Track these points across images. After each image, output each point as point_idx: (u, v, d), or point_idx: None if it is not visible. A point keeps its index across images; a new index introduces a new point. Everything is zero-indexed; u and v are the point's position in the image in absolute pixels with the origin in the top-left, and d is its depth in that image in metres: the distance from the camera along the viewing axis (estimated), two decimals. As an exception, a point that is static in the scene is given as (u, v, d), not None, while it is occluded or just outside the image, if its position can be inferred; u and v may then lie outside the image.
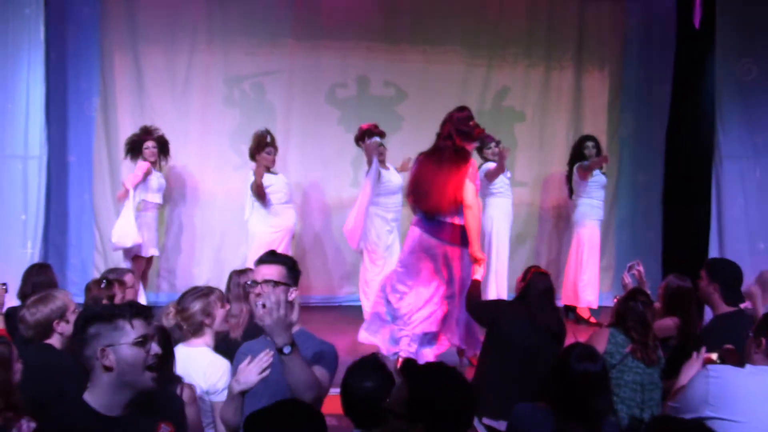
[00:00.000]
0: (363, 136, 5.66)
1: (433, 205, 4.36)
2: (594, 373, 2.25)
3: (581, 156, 6.09)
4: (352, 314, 5.78)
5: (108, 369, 1.90)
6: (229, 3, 6.53)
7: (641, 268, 4.07)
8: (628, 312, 3.22)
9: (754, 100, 5.48)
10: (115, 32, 6.41)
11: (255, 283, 2.41)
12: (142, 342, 1.92)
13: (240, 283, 3.48)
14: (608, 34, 6.96)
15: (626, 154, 7.06)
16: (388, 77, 6.78)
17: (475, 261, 4.22)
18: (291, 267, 2.47)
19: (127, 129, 6.28)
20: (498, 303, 3.76)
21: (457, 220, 4.35)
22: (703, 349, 2.80)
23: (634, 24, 6.96)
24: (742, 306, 3.44)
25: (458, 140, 4.36)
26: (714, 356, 2.75)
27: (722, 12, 5.52)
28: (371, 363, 2.31)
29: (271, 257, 2.49)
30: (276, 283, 2.38)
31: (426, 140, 6.64)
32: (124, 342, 1.91)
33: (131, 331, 1.93)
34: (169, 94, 6.53)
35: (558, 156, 6.87)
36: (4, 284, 3.72)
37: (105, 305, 1.97)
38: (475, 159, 6.06)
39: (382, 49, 6.72)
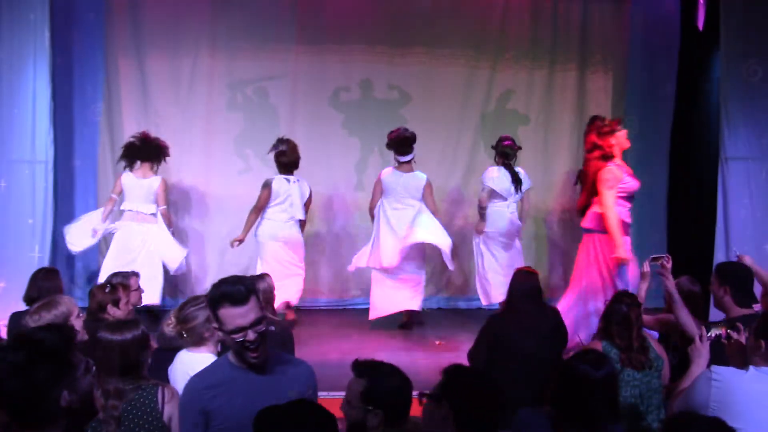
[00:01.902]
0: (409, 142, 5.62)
1: None
2: (595, 378, 2.20)
3: None
4: (359, 317, 5.78)
5: (71, 410, 1.60)
6: (233, 8, 6.55)
7: (669, 264, 4.04)
8: (612, 314, 3.22)
9: (760, 101, 5.45)
10: (119, 38, 6.45)
11: (242, 329, 2.11)
12: (88, 368, 1.68)
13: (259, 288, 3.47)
14: (612, 36, 6.93)
15: (631, 156, 6.99)
16: (391, 80, 6.78)
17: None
18: (255, 289, 2.22)
19: (131, 133, 6.30)
20: (487, 330, 3.70)
21: None
22: (703, 329, 2.77)
23: (638, 25, 6.92)
24: (755, 307, 3.43)
25: (603, 142, 4.76)
26: (722, 330, 2.72)
27: (727, 13, 5.50)
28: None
29: (239, 292, 2.12)
30: (263, 319, 2.18)
31: (429, 142, 6.70)
32: (79, 374, 1.63)
33: (82, 357, 1.66)
34: (173, 99, 6.56)
35: (563, 158, 6.85)
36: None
37: (24, 338, 1.67)
38: (489, 160, 6.08)
39: (385, 52, 6.72)
